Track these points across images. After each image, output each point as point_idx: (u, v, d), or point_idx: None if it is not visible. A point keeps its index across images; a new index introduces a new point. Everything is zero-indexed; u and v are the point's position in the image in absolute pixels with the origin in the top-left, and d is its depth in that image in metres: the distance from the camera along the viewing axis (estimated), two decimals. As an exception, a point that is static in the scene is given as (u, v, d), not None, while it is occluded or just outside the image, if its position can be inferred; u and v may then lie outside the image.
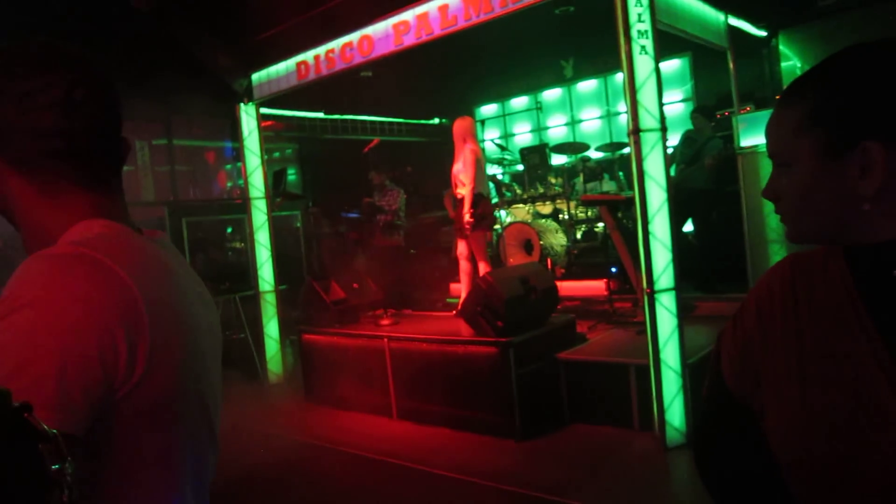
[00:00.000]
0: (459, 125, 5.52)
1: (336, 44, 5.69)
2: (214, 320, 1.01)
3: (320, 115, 8.51)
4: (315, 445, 4.67)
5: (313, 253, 7.47)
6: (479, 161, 5.41)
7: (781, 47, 6.89)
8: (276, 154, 8.97)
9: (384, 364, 5.10)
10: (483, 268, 5.45)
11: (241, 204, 6.92)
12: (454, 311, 5.74)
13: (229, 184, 9.04)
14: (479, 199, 5.39)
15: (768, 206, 5.60)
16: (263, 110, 6.75)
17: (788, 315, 0.86)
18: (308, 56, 5.93)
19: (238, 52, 6.42)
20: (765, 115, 5.54)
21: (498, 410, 4.42)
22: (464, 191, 5.37)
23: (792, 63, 6.99)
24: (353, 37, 5.54)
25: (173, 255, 0.97)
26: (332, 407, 5.41)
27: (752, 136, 5.51)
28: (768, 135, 0.89)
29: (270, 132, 7.66)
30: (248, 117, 6.53)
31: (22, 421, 0.49)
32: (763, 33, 6.67)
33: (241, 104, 6.50)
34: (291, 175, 8.82)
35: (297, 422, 5.20)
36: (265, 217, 6.50)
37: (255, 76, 6.44)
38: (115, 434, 0.78)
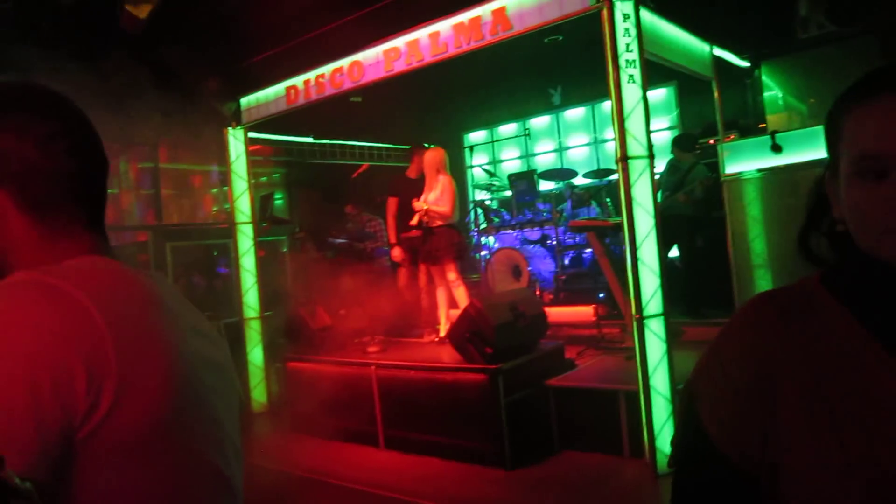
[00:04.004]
0: (433, 156, 5.60)
1: (326, 69, 5.71)
2: (218, 356, 0.96)
3: (309, 139, 8.52)
4: (300, 477, 4.57)
5: (299, 278, 7.40)
6: (455, 192, 5.50)
7: (764, 77, 7.01)
8: (264, 178, 8.94)
9: (371, 392, 5.03)
10: (462, 291, 5.46)
11: (227, 228, 6.86)
12: (435, 338, 5.71)
13: (214, 208, 8.98)
14: (456, 230, 5.48)
15: (753, 231, 5.65)
16: (251, 134, 6.73)
17: (794, 359, 0.78)
18: (297, 81, 5.94)
19: (227, 77, 6.43)
20: (748, 142, 5.62)
21: (487, 439, 4.36)
22: (438, 217, 5.45)
23: (774, 93, 7.12)
24: (344, 62, 5.56)
25: (166, 289, 0.94)
26: (317, 437, 5.30)
27: (737, 163, 5.57)
28: None
29: (258, 156, 7.63)
30: (235, 141, 6.51)
31: None
32: (746, 64, 6.79)
33: (229, 128, 6.48)
34: (278, 200, 8.79)
35: (282, 452, 5.09)
36: (251, 242, 6.45)
37: (244, 100, 6.44)
38: (79, 475, 0.72)
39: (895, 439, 0.70)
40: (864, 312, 0.77)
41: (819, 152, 5.01)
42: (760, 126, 6.81)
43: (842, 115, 0.78)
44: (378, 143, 9.21)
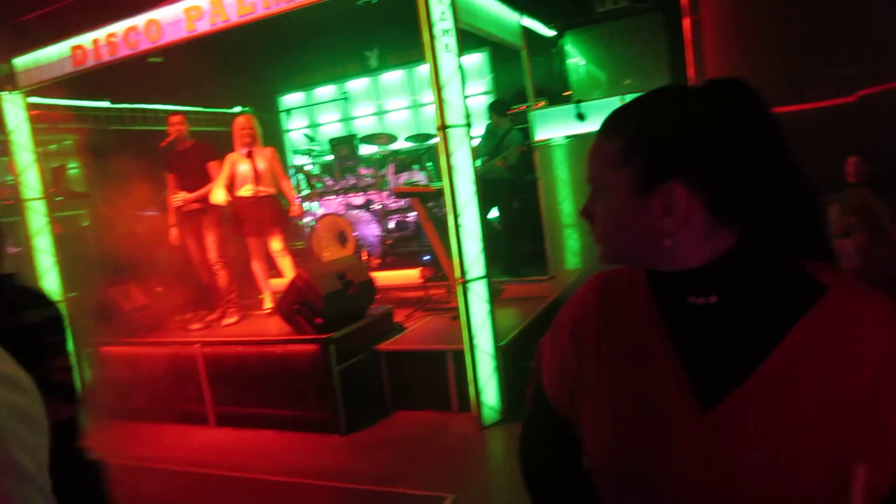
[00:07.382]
0: (250, 123, 5.40)
1: (118, 27, 5.18)
2: (33, 408, 0.86)
3: (106, 104, 7.67)
4: (124, 465, 4.29)
5: (107, 256, 6.75)
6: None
7: (567, 46, 7.54)
8: (53, 146, 7.94)
9: (197, 371, 4.83)
10: (289, 261, 5.41)
11: (12, 205, 6.05)
12: (264, 309, 5.60)
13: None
14: (280, 199, 5.39)
15: (562, 194, 6.14)
16: (32, 100, 5.94)
17: (600, 333, 0.93)
18: (85, 40, 5.32)
19: (-4, 33, 5.58)
20: (557, 110, 6.05)
21: (321, 407, 4.41)
22: (269, 189, 5.29)
23: (576, 61, 7.68)
24: (138, 20, 5.08)
25: None
26: (141, 421, 5.00)
27: (546, 130, 5.98)
28: (589, 160, 0.90)
29: (43, 124, 6.75)
30: (13, 108, 5.71)
31: None
32: (552, 33, 7.25)
33: (4, 93, 5.67)
34: (73, 170, 7.88)
35: (101, 442, 4.72)
36: (45, 220, 5.77)
37: (20, 62, 5.65)
38: None
39: (657, 429, 0.84)
40: (663, 309, 0.90)
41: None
42: (565, 94, 7.34)
43: None
44: (186, 106, 8.55)
